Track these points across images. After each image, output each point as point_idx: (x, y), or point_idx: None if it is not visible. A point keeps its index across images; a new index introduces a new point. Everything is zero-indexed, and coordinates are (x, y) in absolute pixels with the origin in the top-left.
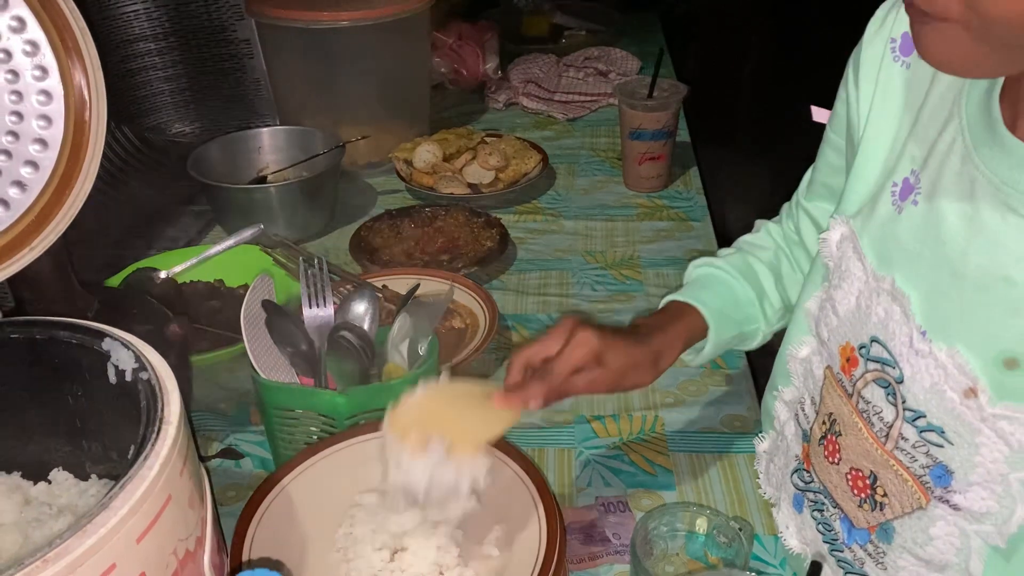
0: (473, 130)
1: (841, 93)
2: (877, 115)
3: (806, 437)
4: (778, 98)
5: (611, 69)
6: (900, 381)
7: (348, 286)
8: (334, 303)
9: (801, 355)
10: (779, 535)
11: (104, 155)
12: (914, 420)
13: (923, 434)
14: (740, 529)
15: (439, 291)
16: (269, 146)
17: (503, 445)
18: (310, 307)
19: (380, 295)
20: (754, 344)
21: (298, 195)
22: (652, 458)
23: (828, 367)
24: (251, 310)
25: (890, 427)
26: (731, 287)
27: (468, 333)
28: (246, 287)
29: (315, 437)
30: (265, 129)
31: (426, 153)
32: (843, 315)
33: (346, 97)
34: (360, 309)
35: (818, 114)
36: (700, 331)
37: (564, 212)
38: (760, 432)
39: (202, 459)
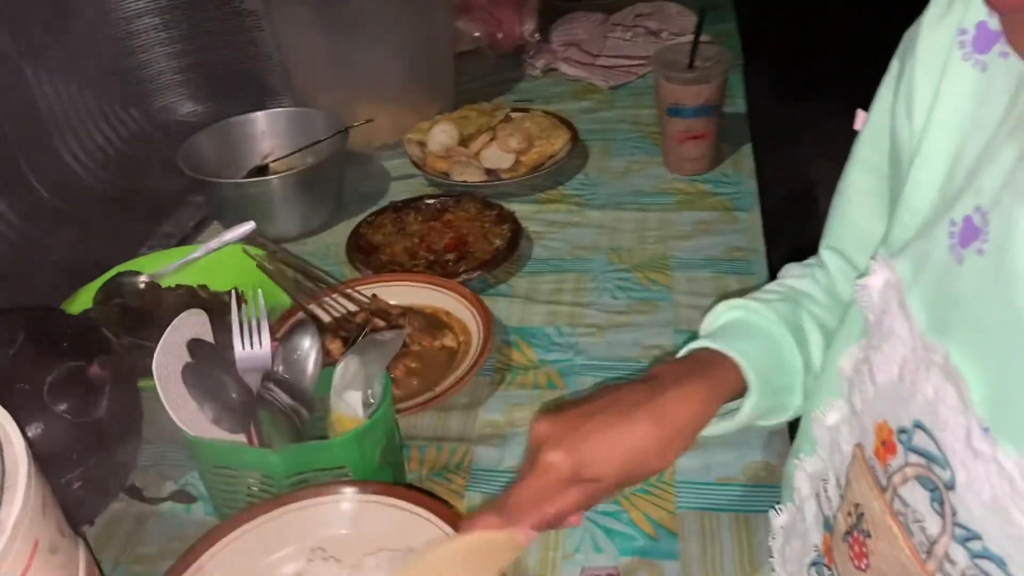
0: (502, 104)
1: (884, 96)
2: (937, 128)
3: (828, 526)
4: (868, 73)
5: (663, 28)
6: (950, 487)
7: (334, 296)
8: (274, 341)
9: (828, 422)
10: None
11: (108, 140)
12: (966, 541)
13: (977, 560)
14: None
15: (433, 303)
16: (270, 131)
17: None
18: (243, 347)
19: (364, 312)
20: (777, 421)
21: (296, 187)
22: (655, 516)
23: (859, 445)
24: (173, 351)
25: (933, 543)
26: (778, 343)
27: (460, 353)
28: (232, 293)
29: (256, 492)
30: (261, 113)
31: (441, 134)
32: (882, 385)
33: (362, 70)
34: (303, 346)
35: (863, 120)
36: (734, 392)
37: (591, 200)
38: (779, 503)
39: (148, 501)
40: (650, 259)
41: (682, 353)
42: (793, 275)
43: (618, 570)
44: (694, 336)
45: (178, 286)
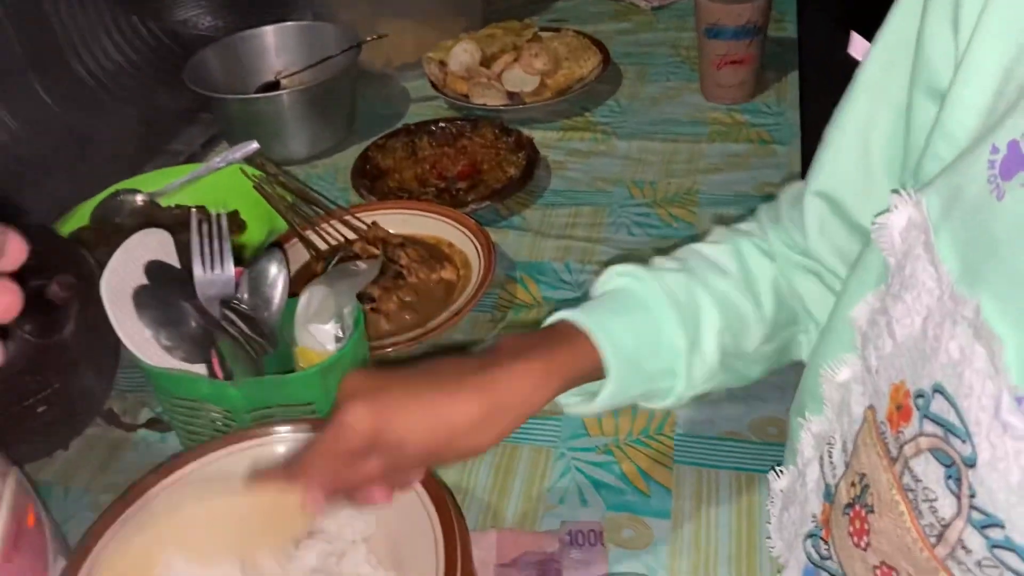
0: (531, 23)
1: (907, 5)
2: (988, 36)
3: (829, 495)
4: None
5: None
6: (971, 464)
7: (332, 223)
8: (239, 267)
9: (839, 379)
10: None
11: (123, 54)
12: (984, 528)
13: (996, 551)
14: None
15: (436, 234)
16: (281, 46)
17: None
18: (204, 271)
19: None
20: (657, 405)
21: (304, 105)
22: (649, 471)
23: (871, 408)
24: (128, 272)
25: (946, 526)
26: (657, 322)
27: (460, 287)
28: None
29: (221, 427)
30: (271, 27)
31: (462, 53)
32: (901, 341)
33: None
34: (270, 273)
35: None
36: (588, 373)
37: (619, 129)
38: (781, 464)
39: (124, 427)
40: (676, 194)
41: (545, 323)
42: (711, 241)
43: (602, 527)
44: (571, 302)
45: (176, 206)
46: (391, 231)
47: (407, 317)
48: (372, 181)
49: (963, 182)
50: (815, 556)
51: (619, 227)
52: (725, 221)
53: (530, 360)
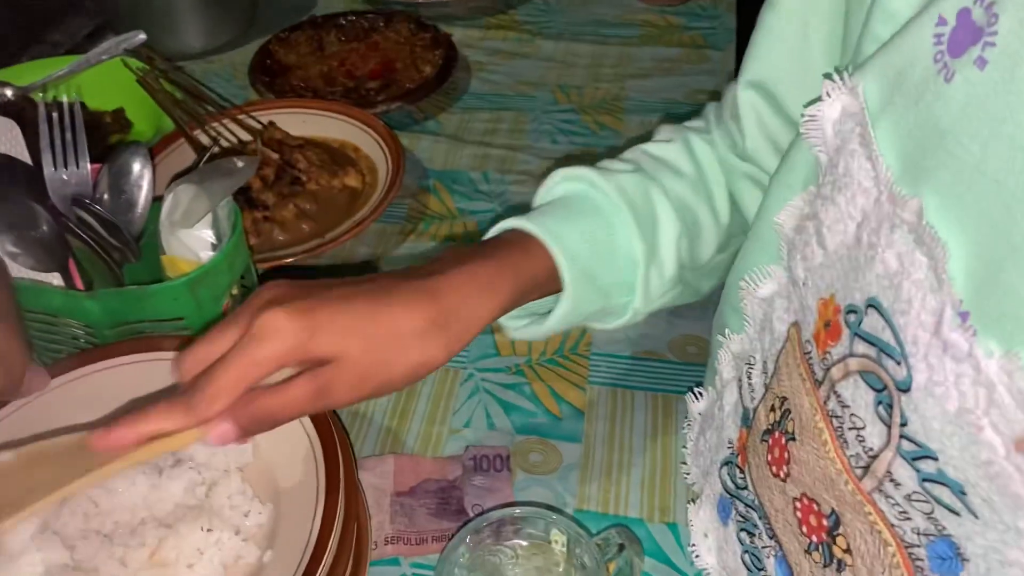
0: None
1: None
2: None
3: (746, 420)
4: None
5: None
6: (904, 389)
7: (223, 122)
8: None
9: (761, 292)
10: (691, 546)
11: None
12: (916, 460)
13: (927, 485)
14: (620, 549)
15: (342, 136)
16: None
17: None
18: (56, 167)
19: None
20: (610, 325)
21: None
22: (562, 392)
23: (796, 325)
24: None
25: (874, 457)
26: (612, 229)
27: (366, 195)
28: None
29: (83, 344)
30: None
31: None
32: (832, 250)
33: None
34: (132, 171)
35: None
36: (542, 284)
37: (546, 29)
38: (700, 385)
39: None
40: (602, 100)
41: (489, 234)
42: (661, 139)
43: (508, 451)
44: (516, 210)
45: (57, 102)
46: (290, 132)
47: (305, 227)
48: (273, 78)
49: (905, 63)
50: (731, 485)
51: (542, 134)
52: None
53: (477, 266)
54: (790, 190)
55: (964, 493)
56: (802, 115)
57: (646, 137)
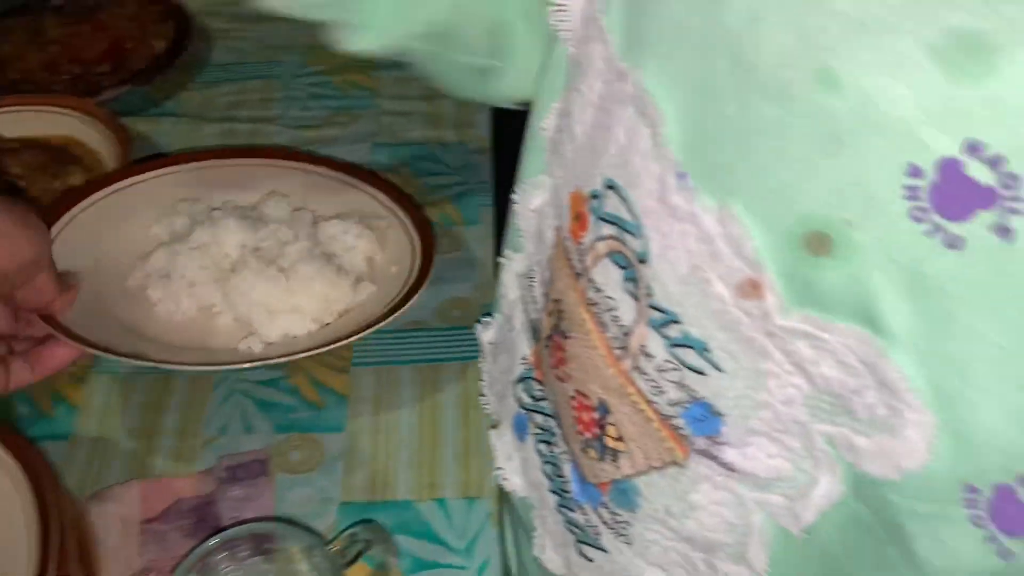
0: None
1: None
2: None
3: (536, 333)
4: None
5: None
6: (644, 260)
7: None
8: None
9: (533, 204)
10: (498, 469)
11: None
12: (662, 327)
13: (675, 350)
14: (367, 546)
15: (65, 131)
16: None
17: None
18: None
19: None
20: (347, 40)
21: None
22: (324, 379)
23: (558, 227)
24: None
25: (628, 334)
26: None
27: None
28: None
29: None
30: None
31: None
32: (579, 140)
33: None
34: None
35: None
36: None
37: None
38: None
39: None
40: (353, 59)
41: None
42: None
43: (267, 454)
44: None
45: None
46: (3, 135)
47: None
48: None
49: None
50: (528, 400)
51: (292, 102)
52: (406, 87)
53: None
54: (551, 92)
55: (707, 350)
56: (550, 7)
57: (402, 94)
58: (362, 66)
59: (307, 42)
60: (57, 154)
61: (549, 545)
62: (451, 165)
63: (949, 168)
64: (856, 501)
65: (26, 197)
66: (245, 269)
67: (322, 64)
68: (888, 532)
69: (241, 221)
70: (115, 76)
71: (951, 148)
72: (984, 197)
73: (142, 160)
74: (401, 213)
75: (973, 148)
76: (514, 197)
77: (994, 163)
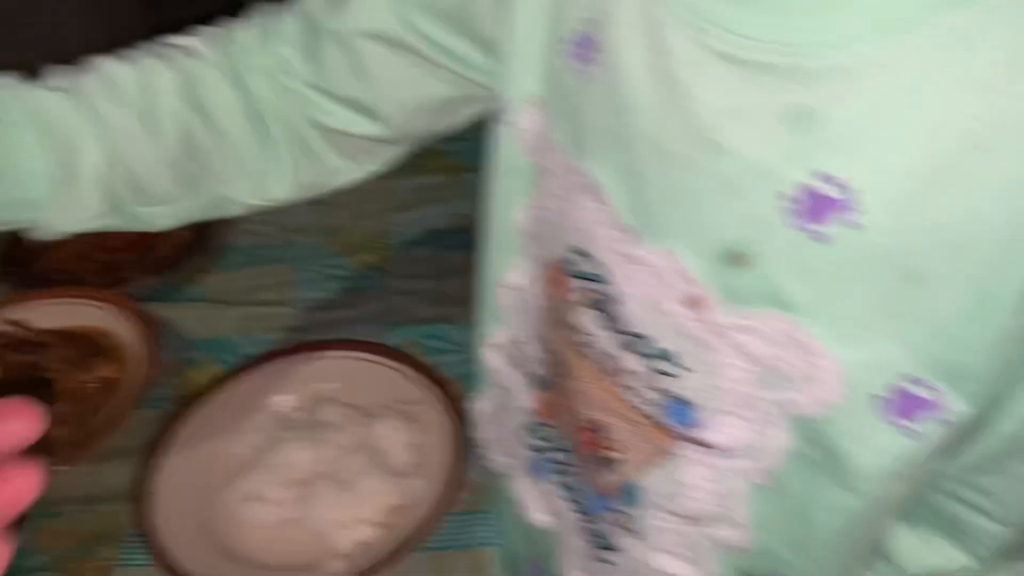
0: None
1: None
2: None
3: (543, 383)
4: None
5: None
6: (613, 299)
7: None
8: None
9: (513, 282)
10: (526, 510)
11: None
12: (637, 346)
13: (649, 361)
14: None
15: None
16: None
17: None
18: None
19: None
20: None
21: None
22: None
23: (540, 294)
24: None
25: (611, 358)
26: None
27: (125, 383)
28: None
29: None
30: None
31: None
32: (549, 221)
33: None
34: None
35: None
36: None
37: None
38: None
39: None
40: (366, 239)
41: None
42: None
43: None
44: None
45: None
46: (37, 326)
47: (65, 432)
48: (23, 267)
49: (559, 75)
50: (539, 443)
51: (310, 284)
52: (416, 267)
53: None
54: (517, 193)
55: (674, 356)
56: (504, 123)
57: (413, 273)
58: (375, 245)
59: (321, 224)
60: (85, 346)
61: (576, 565)
62: (458, 342)
63: (803, 190)
64: (800, 441)
65: (55, 390)
66: (316, 486)
67: (336, 246)
68: (827, 455)
69: (304, 442)
70: (141, 264)
71: (803, 176)
72: (832, 204)
73: None
74: (438, 392)
75: (815, 173)
76: (487, 279)
77: (830, 180)
